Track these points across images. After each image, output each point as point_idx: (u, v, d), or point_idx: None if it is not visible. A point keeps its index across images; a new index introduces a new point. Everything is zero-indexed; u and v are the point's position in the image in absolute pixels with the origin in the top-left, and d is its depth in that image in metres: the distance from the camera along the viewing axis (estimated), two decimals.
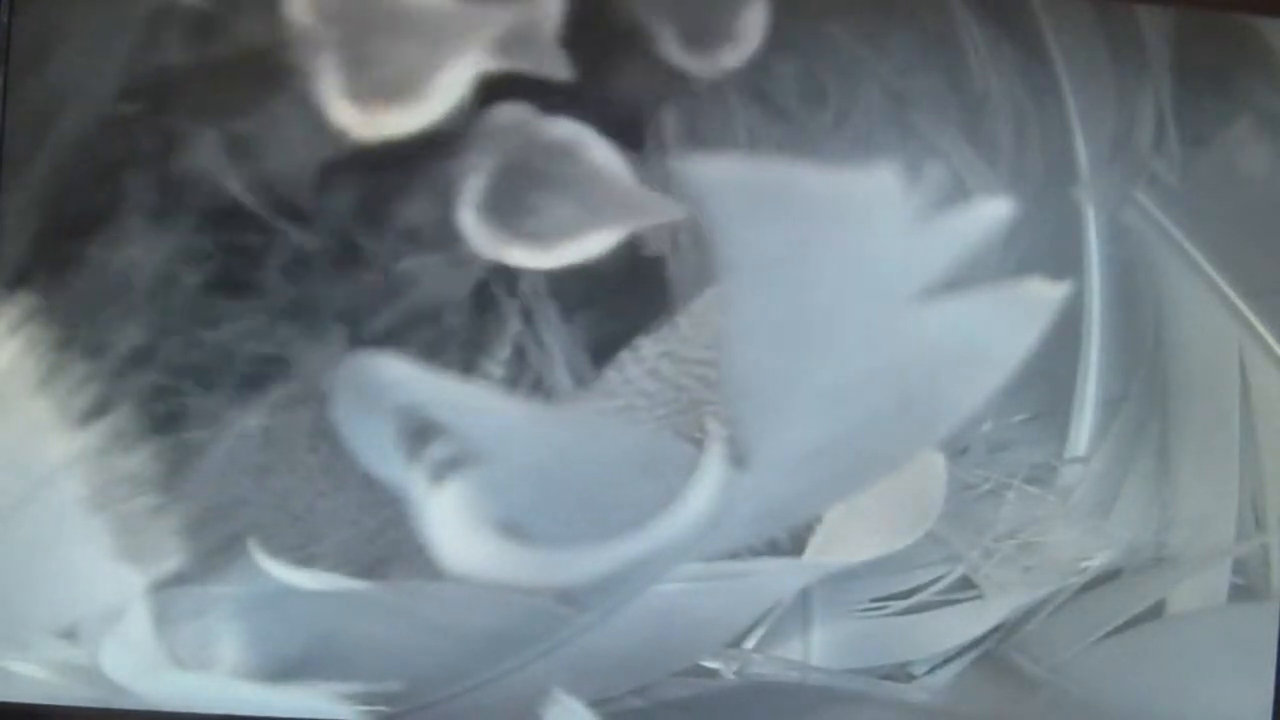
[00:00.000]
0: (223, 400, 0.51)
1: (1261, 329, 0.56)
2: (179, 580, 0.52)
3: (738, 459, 0.53)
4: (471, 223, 0.51)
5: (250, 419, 0.51)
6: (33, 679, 0.52)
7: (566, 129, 0.52)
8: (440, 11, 0.51)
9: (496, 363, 0.52)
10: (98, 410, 0.51)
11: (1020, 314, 0.54)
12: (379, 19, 0.51)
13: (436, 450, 0.51)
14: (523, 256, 0.52)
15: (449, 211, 0.52)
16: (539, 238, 0.52)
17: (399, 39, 0.51)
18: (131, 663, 0.52)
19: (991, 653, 0.55)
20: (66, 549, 0.51)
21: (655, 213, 0.52)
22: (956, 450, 0.55)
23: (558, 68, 0.51)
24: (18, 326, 0.51)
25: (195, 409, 0.51)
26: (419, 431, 0.51)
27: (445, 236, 0.52)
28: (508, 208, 0.52)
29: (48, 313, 0.51)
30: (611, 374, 0.52)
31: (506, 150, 0.51)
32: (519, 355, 0.52)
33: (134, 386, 0.51)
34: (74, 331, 0.51)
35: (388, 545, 0.52)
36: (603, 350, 0.52)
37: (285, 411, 0.51)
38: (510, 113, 0.51)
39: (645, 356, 0.52)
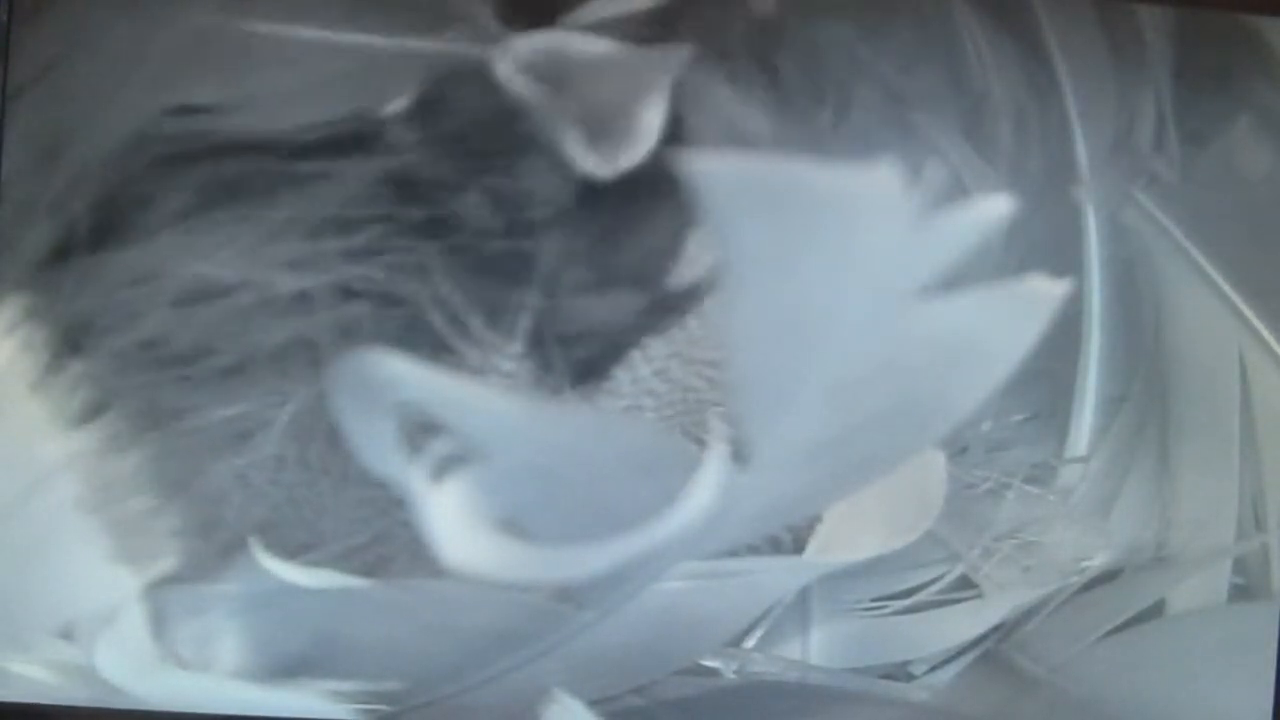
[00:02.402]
0: (225, 398, 0.51)
1: (1261, 329, 0.56)
2: (176, 580, 0.51)
3: (739, 457, 0.52)
4: None
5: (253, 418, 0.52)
6: (31, 679, 0.52)
7: None
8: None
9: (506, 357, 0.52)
10: (94, 411, 0.51)
11: (1020, 313, 0.54)
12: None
13: (437, 447, 0.51)
14: None
15: None
16: None
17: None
18: (126, 663, 0.52)
19: (991, 652, 0.55)
20: (63, 549, 0.51)
21: None
22: (956, 449, 0.54)
23: None
24: (14, 327, 0.51)
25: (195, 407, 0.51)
26: (419, 428, 0.51)
27: None
28: None
29: (44, 313, 0.51)
30: (620, 373, 0.52)
31: None
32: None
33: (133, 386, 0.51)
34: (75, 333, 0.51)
35: (388, 543, 0.52)
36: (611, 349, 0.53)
37: (287, 410, 0.52)
38: None
39: (654, 356, 0.52)
